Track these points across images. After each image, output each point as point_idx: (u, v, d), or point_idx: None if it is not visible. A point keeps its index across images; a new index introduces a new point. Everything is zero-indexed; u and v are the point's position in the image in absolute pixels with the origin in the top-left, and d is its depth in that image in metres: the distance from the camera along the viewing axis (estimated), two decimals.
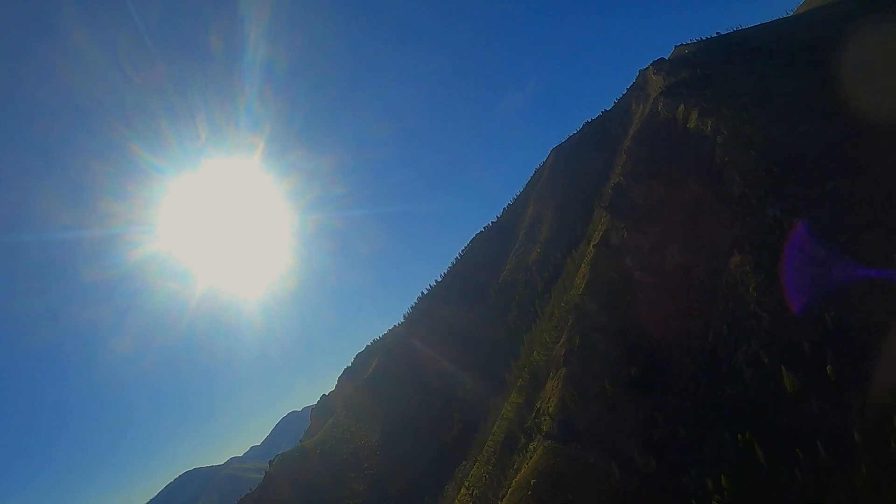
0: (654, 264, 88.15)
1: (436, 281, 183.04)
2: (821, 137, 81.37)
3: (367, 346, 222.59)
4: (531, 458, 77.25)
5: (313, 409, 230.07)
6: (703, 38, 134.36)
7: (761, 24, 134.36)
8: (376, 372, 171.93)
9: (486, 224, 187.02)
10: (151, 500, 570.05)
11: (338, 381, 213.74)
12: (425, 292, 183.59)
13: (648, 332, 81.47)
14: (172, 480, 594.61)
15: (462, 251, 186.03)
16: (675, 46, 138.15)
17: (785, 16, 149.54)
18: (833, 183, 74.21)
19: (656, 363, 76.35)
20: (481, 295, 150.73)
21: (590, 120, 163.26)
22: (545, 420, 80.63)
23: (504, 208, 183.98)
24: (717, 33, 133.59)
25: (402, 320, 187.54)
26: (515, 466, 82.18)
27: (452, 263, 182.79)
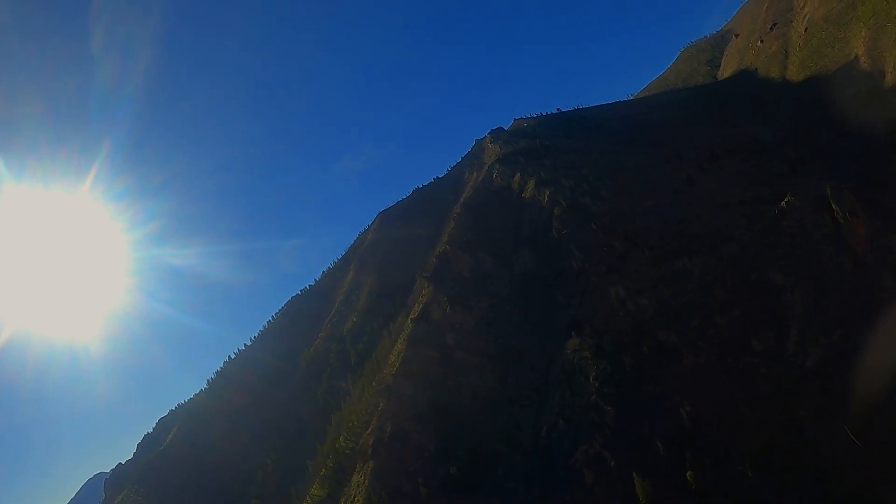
0: (479, 344, 79.55)
1: (245, 345, 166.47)
2: (668, 213, 77.48)
3: (171, 410, 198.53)
4: None
5: (107, 479, 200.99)
6: (544, 113, 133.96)
7: (602, 105, 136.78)
8: (173, 444, 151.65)
9: (303, 287, 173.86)
10: None
11: (136, 449, 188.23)
12: (233, 356, 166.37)
13: (472, 423, 71.65)
14: None
15: (275, 314, 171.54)
16: (515, 119, 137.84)
17: (625, 99, 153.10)
18: (682, 261, 69.50)
19: (480, 459, 66.42)
20: (291, 364, 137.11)
21: (420, 186, 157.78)
22: None
23: (323, 271, 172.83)
24: (558, 109, 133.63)
25: (206, 386, 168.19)
26: None
27: (265, 326, 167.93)
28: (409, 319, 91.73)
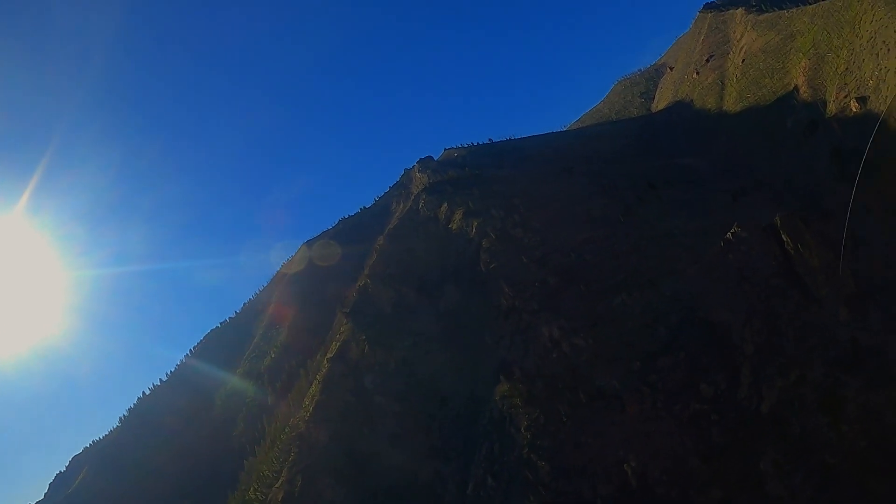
0: (400, 388, 73.91)
1: (161, 380, 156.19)
2: (605, 246, 73.44)
3: (86, 447, 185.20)
4: None
5: None
6: (476, 143, 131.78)
7: (535, 135, 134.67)
8: (81, 487, 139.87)
9: (223, 319, 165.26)
10: None
11: (48, 489, 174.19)
12: (148, 391, 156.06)
13: (392, 477, 65.67)
14: None
15: (193, 348, 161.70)
16: (445, 149, 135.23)
17: (560, 130, 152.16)
18: (621, 298, 64.90)
19: None
20: (207, 403, 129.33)
21: (346, 216, 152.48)
22: None
23: (244, 303, 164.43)
24: (490, 140, 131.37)
25: (118, 424, 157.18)
26: None
27: (182, 360, 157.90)
28: (326, 359, 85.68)
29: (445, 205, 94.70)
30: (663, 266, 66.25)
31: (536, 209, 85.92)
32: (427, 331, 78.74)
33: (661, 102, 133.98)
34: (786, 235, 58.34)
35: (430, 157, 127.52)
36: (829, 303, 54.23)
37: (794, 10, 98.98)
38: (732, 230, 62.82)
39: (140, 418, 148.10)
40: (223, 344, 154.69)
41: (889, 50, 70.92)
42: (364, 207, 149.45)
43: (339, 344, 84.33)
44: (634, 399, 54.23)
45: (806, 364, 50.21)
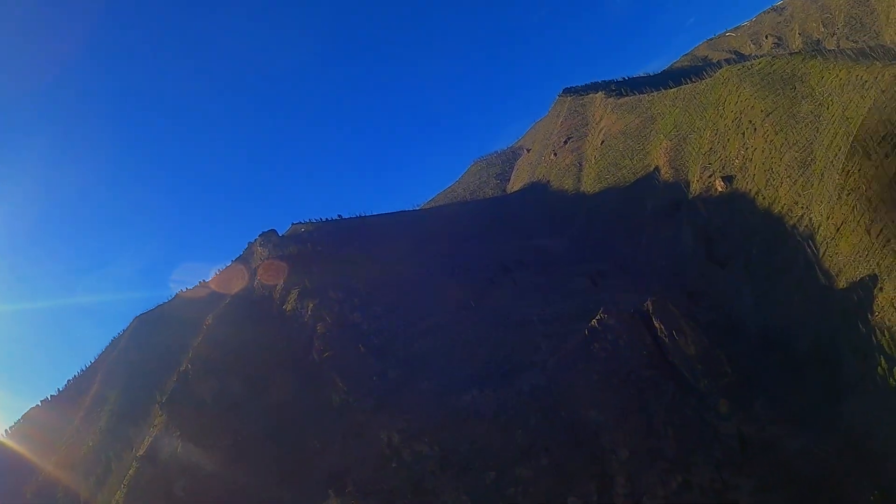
0: (216, 496, 62.52)
1: None
2: (454, 334, 67.02)
3: None
4: None
5: None
6: (324, 219, 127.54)
7: (387, 213, 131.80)
8: None
9: (52, 393, 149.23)
10: None
11: None
12: None
13: None
14: None
15: (9, 429, 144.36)
16: (293, 223, 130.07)
17: (413, 208, 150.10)
18: (472, 395, 58.02)
19: None
20: (17, 495, 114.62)
21: (185, 289, 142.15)
22: None
23: (69, 380, 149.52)
24: (339, 216, 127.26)
25: None
26: None
27: None
28: (136, 457, 74.00)
29: (281, 283, 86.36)
30: (520, 357, 59.45)
31: (379, 292, 78.70)
32: (251, 428, 68.40)
33: (516, 183, 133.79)
34: (657, 321, 52.68)
35: (274, 231, 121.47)
36: (708, 394, 48.51)
37: (655, 93, 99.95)
38: (598, 316, 56.69)
39: None
40: (42, 424, 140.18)
41: (756, 129, 69.39)
42: (203, 281, 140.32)
43: (151, 439, 72.90)
44: None
45: (690, 467, 43.68)
